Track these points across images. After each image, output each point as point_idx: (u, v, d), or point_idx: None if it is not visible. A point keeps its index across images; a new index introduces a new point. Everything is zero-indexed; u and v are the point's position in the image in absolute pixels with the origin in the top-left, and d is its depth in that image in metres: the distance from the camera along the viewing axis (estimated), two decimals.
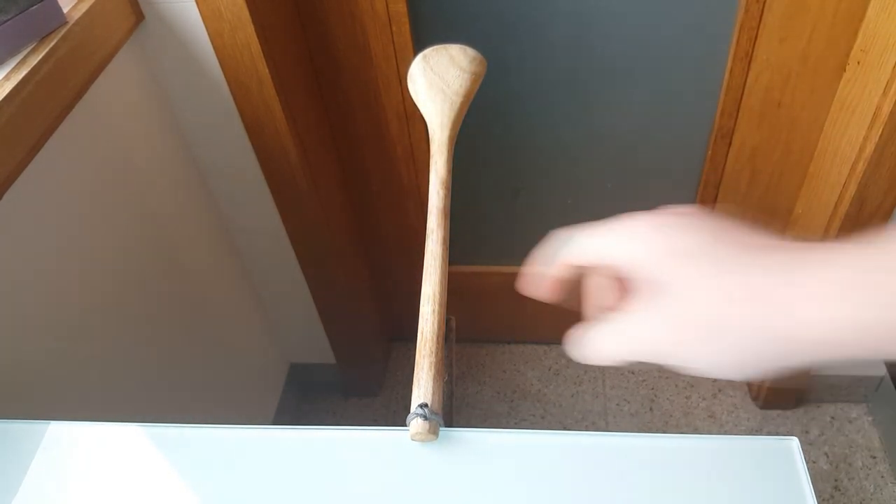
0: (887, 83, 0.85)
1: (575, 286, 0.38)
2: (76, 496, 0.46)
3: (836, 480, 1.29)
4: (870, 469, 1.30)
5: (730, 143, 1.08)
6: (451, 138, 0.56)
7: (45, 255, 0.74)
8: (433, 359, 0.46)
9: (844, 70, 0.95)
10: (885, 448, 1.32)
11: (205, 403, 1.08)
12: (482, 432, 0.46)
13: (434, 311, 0.48)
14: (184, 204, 1.02)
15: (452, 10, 0.98)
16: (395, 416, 1.46)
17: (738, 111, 1.03)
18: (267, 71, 0.88)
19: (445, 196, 0.53)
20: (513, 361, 1.53)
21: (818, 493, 1.30)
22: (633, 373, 1.48)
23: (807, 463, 0.41)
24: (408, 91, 0.62)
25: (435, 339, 0.47)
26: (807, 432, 1.37)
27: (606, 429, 1.39)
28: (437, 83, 0.58)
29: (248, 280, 1.23)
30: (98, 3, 0.78)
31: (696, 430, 1.38)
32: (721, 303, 0.28)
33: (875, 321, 0.25)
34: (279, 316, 1.32)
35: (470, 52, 0.60)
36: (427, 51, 0.60)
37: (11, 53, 0.69)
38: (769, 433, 1.38)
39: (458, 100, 0.57)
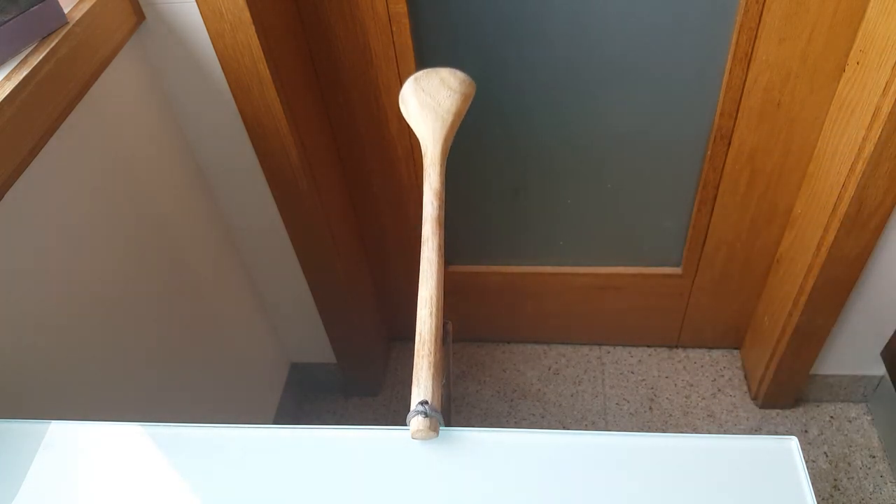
0: (886, 83, 0.85)
1: None
2: (76, 496, 0.46)
3: (835, 480, 1.29)
4: (869, 468, 1.30)
5: (729, 143, 1.08)
6: (443, 153, 0.58)
7: (46, 254, 0.74)
8: (432, 359, 0.47)
9: (844, 70, 0.95)
10: (885, 447, 1.33)
11: (205, 403, 1.08)
12: (482, 431, 0.46)
13: (431, 313, 0.49)
14: (185, 204, 1.02)
15: (453, 11, 0.98)
16: (396, 415, 1.46)
17: (737, 111, 1.03)
18: (268, 71, 0.88)
19: (439, 207, 0.55)
20: (512, 361, 1.53)
21: (817, 493, 1.30)
22: (632, 372, 1.48)
23: (806, 462, 0.41)
24: None
25: (433, 340, 0.48)
26: (806, 432, 1.37)
27: (606, 428, 1.40)
28: (428, 103, 0.59)
29: (248, 280, 1.23)
30: (99, 3, 0.78)
31: (695, 430, 1.38)
32: None
33: None
34: (280, 316, 1.32)
35: (459, 74, 0.61)
36: (417, 73, 0.62)
37: (12, 54, 0.69)
38: (768, 433, 1.38)
39: (449, 118, 0.59)
